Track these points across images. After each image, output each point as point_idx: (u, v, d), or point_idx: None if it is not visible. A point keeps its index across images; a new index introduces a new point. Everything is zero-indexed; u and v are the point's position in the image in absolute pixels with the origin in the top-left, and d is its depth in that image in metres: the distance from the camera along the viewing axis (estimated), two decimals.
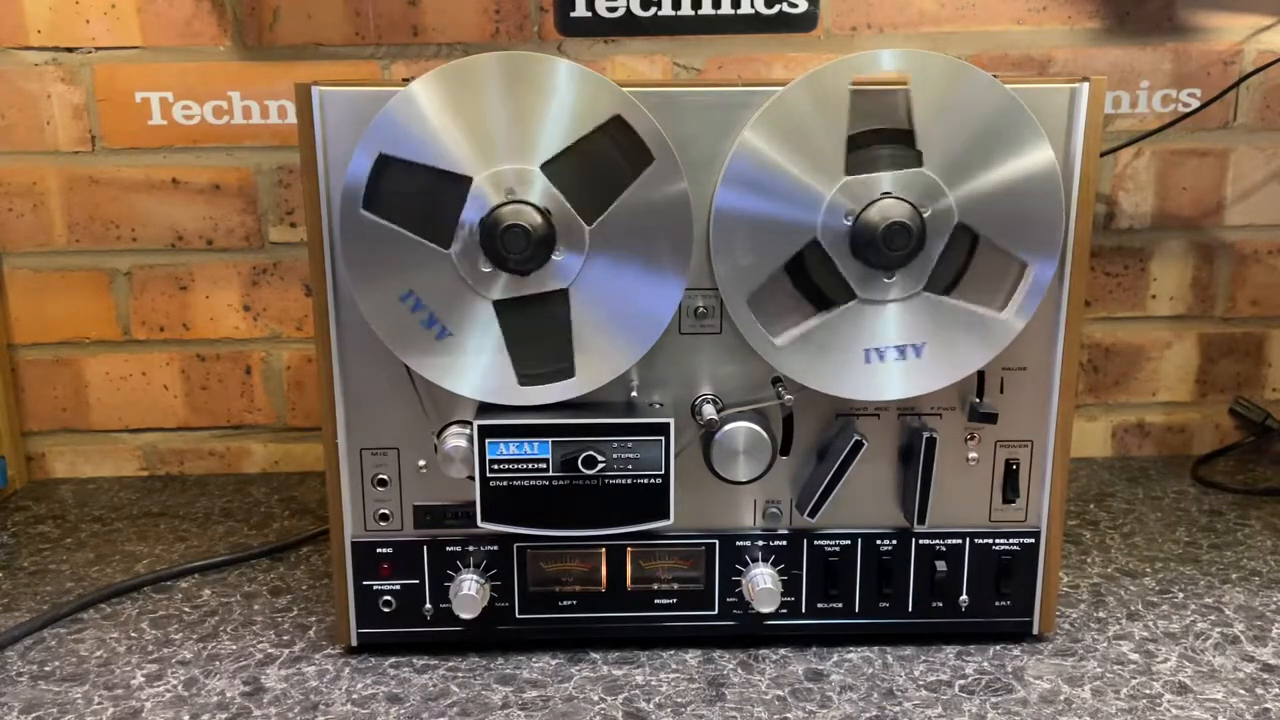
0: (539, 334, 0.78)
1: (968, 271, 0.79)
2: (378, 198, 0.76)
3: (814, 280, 0.79)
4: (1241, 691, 0.82)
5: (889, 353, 0.79)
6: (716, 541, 0.86)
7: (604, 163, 0.76)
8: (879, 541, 0.87)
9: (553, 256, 0.76)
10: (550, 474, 0.79)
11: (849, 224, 0.76)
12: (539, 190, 0.75)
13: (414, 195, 0.76)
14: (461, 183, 0.75)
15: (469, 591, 0.84)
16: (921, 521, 0.84)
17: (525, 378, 0.79)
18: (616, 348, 0.79)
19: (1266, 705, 0.80)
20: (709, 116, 0.77)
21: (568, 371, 0.79)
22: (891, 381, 0.80)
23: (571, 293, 0.77)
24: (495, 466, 0.79)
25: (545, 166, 0.75)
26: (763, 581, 0.85)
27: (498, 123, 0.74)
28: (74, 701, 0.82)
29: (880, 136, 0.77)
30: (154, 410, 1.28)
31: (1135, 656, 0.87)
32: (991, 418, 0.83)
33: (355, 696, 0.82)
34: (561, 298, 0.77)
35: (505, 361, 0.79)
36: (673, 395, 0.83)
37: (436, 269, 0.77)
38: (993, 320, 0.79)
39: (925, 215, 0.76)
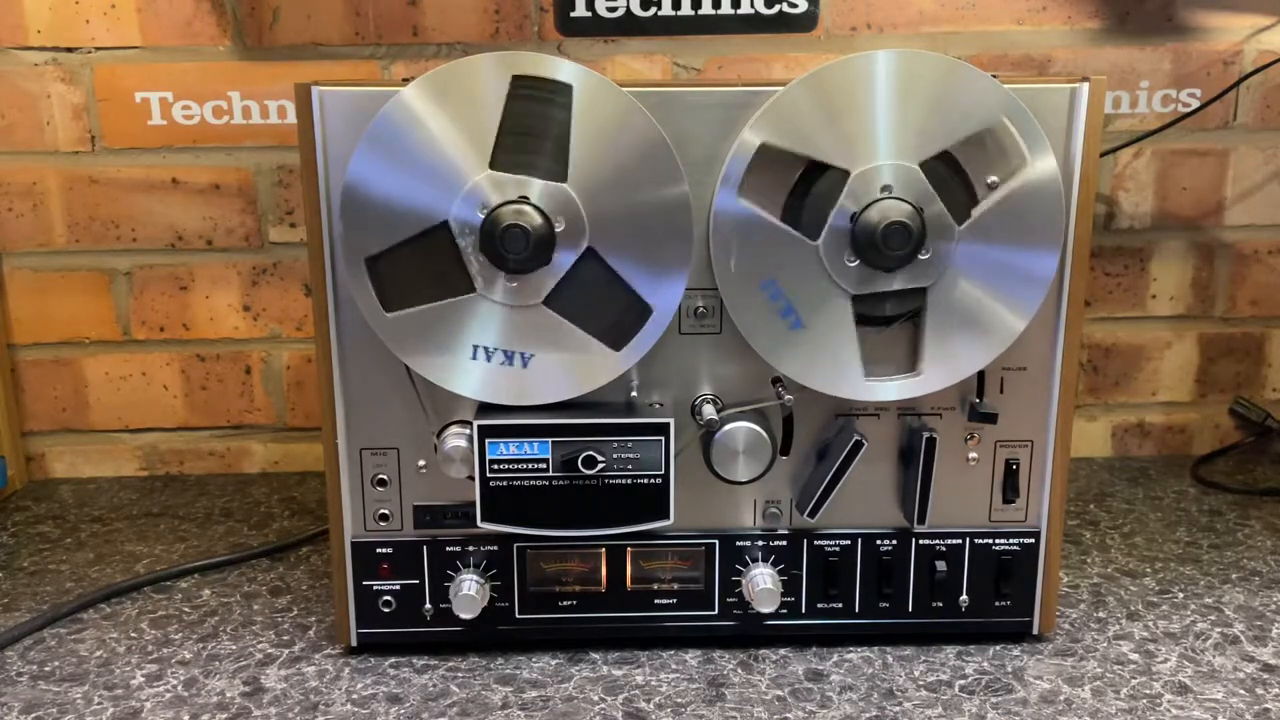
0: (599, 299, 0.78)
1: (884, 327, 0.80)
2: (391, 294, 0.77)
3: (804, 206, 0.78)
4: (1241, 691, 0.82)
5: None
6: (716, 541, 0.86)
7: (537, 123, 0.75)
8: (879, 541, 0.87)
9: (555, 229, 0.76)
10: (550, 474, 0.79)
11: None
12: (507, 186, 0.75)
13: (418, 266, 0.76)
14: (444, 229, 0.75)
15: (469, 591, 0.84)
16: (921, 521, 0.84)
17: (612, 341, 0.79)
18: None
19: (1266, 705, 0.80)
20: (709, 116, 0.77)
21: (646, 310, 0.78)
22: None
23: (596, 248, 0.77)
24: (495, 466, 0.79)
25: (494, 164, 0.75)
26: (763, 581, 0.85)
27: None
28: (74, 701, 0.82)
29: None
30: (154, 410, 1.28)
31: (1135, 656, 0.87)
32: (991, 418, 0.83)
33: (355, 696, 0.82)
34: (593, 257, 0.77)
35: (589, 341, 0.78)
36: (673, 395, 0.83)
37: (477, 310, 0.77)
38: (853, 370, 0.80)
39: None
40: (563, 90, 0.74)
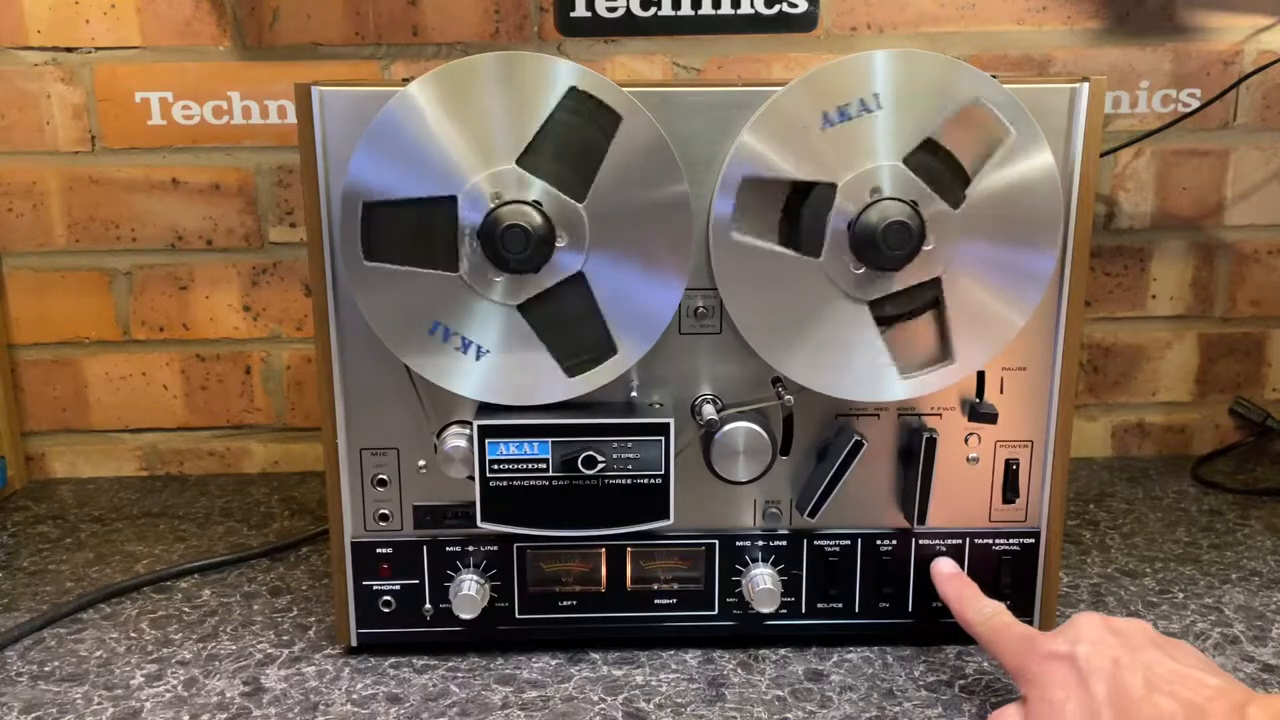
0: (571, 323, 0.78)
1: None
2: (376, 243, 0.76)
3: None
4: None
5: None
6: (716, 541, 0.86)
7: (577, 138, 0.75)
8: (879, 541, 0.87)
9: (556, 244, 0.76)
10: (550, 474, 0.79)
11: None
12: (524, 186, 0.75)
13: (411, 228, 0.76)
14: (449, 202, 0.75)
15: (469, 592, 0.84)
16: (921, 521, 0.84)
17: (571, 368, 0.79)
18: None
19: None
20: (709, 116, 0.77)
21: (610, 349, 0.78)
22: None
23: (587, 274, 0.77)
24: (495, 466, 0.79)
25: (521, 160, 0.75)
26: (763, 581, 0.85)
27: (471, 130, 0.74)
28: (74, 701, 0.82)
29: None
30: (154, 410, 1.28)
31: None
32: (991, 418, 0.83)
33: (355, 697, 0.82)
34: (580, 281, 0.77)
35: (546, 359, 0.78)
36: (673, 395, 0.83)
37: (453, 292, 0.77)
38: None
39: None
40: (611, 118, 0.75)
